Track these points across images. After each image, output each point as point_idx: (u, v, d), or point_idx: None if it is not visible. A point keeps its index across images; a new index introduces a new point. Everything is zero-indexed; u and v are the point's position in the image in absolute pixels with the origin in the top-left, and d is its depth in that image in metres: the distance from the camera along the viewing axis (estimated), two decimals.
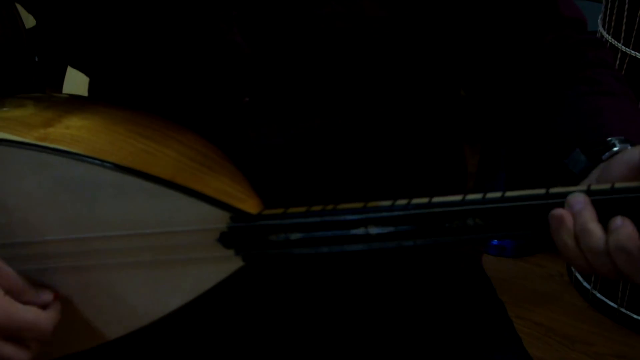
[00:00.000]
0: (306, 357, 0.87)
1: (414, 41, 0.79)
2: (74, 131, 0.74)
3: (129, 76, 0.81)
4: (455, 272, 0.93)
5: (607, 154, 0.69)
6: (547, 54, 0.81)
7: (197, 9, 0.75)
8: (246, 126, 0.78)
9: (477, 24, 0.81)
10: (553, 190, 0.64)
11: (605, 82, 0.80)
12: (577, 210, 0.62)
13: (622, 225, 0.61)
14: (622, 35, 1.73)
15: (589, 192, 0.63)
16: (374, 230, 0.69)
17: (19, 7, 0.86)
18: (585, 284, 1.96)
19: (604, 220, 0.62)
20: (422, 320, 0.89)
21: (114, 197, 0.72)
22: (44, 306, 0.73)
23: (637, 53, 1.70)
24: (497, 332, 0.92)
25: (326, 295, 0.85)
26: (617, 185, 0.63)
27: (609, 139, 0.70)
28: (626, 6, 1.70)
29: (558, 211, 0.63)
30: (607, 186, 0.63)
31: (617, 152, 0.69)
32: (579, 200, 0.63)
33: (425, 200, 0.67)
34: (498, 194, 0.65)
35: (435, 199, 0.67)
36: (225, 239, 0.72)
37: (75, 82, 1.12)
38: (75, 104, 0.81)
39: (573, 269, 2.02)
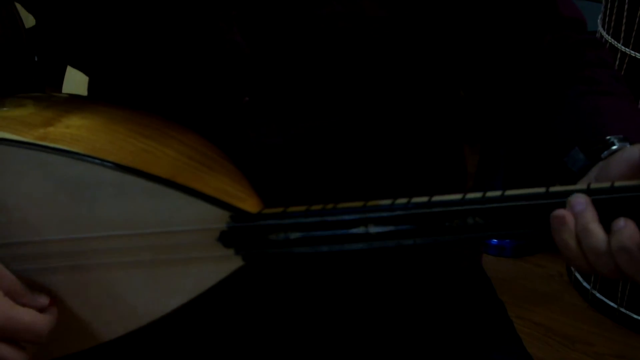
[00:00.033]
0: (306, 357, 0.87)
1: (414, 41, 0.79)
2: (74, 130, 0.74)
3: (129, 76, 0.81)
4: (455, 272, 0.93)
5: (606, 152, 0.70)
6: (546, 54, 0.81)
7: (197, 8, 0.75)
8: (246, 126, 0.78)
9: (477, 24, 0.81)
10: (553, 189, 0.64)
11: (604, 82, 0.80)
12: (579, 211, 0.62)
13: (625, 226, 0.61)
14: (622, 35, 1.73)
15: (588, 191, 0.63)
16: (373, 229, 0.69)
17: (19, 7, 0.86)
18: (585, 284, 1.96)
19: (604, 220, 0.62)
20: (422, 320, 0.89)
21: (114, 197, 0.72)
22: (40, 309, 0.73)
23: (637, 53, 1.70)
24: (497, 332, 0.92)
25: (326, 294, 0.85)
26: (617, 184, 0.63)
27: (608, 137, 0.71)
28: (626, 6, 1.70)
29: (560, 212, 0.63)
30: (606, 185, 0.63)
31: (616, 151, 0.69)
32: (580, 201, 0.63)
33: (425, 199, 0.67)
34: (498, 193, 0.65)
35: (435, 198, 0.67)
36: (225, 238, 0.72)
37: (75, 81, 1.12)
38: (75, 103, 0.81)
39: (573, 269, 2.02)
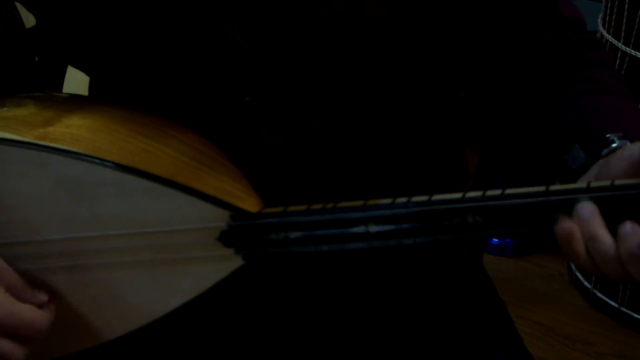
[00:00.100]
0: (306, 357, 0.87)
1: (414, 41, 0.79)
2: (74, 130, 0.74)
3: (129, 75, 0.81)
4: (456, 272, 0.93)
5: (606, 150, 0.70)
6: (546, 53, 0.82)
7: (197, 8, 0.75)
8: (246, 125, 0.78)
9: (477, 23, 0.81)
10: (553, 187, 0.64)
11: (604, 81, 0.80)
12: (586, 219, 0.63)
13: (632, 233, 0.61)
14: (622, 34, 1.73)
15: (588, 189, 0.63)
16: (374, 228, 0.69)
17: (19, 6, 0.86)
18: (585, 283, 1.96)
19: (607, 218, 0.62)
20: (423, 319, 0.89)
21: (114, 196, 0.72)
22: (39, 306, 0.73)
23: (637, 53, 1.70)
24: (498, 331, 0.92)
25: (326, 294, 0.85)
26: (617, 182, 0.63)
27: (608, 135, 0.71)
28: (626, 6, 1.70)
29: (566, 225, 0.63)
30: (607, 183, 0.63)
31: (616, 149, 0.69)
32: (588, 208, 0.63)
33: (425, 198, 0.67)
34: (498, 192, 0.65)
35: (435, 197, 0.67)
36: (226, 238, 0.72)
37: (75, 81, 1.13)
38: (75, 103, 0.81)
39: (573, 268, 2.02)
